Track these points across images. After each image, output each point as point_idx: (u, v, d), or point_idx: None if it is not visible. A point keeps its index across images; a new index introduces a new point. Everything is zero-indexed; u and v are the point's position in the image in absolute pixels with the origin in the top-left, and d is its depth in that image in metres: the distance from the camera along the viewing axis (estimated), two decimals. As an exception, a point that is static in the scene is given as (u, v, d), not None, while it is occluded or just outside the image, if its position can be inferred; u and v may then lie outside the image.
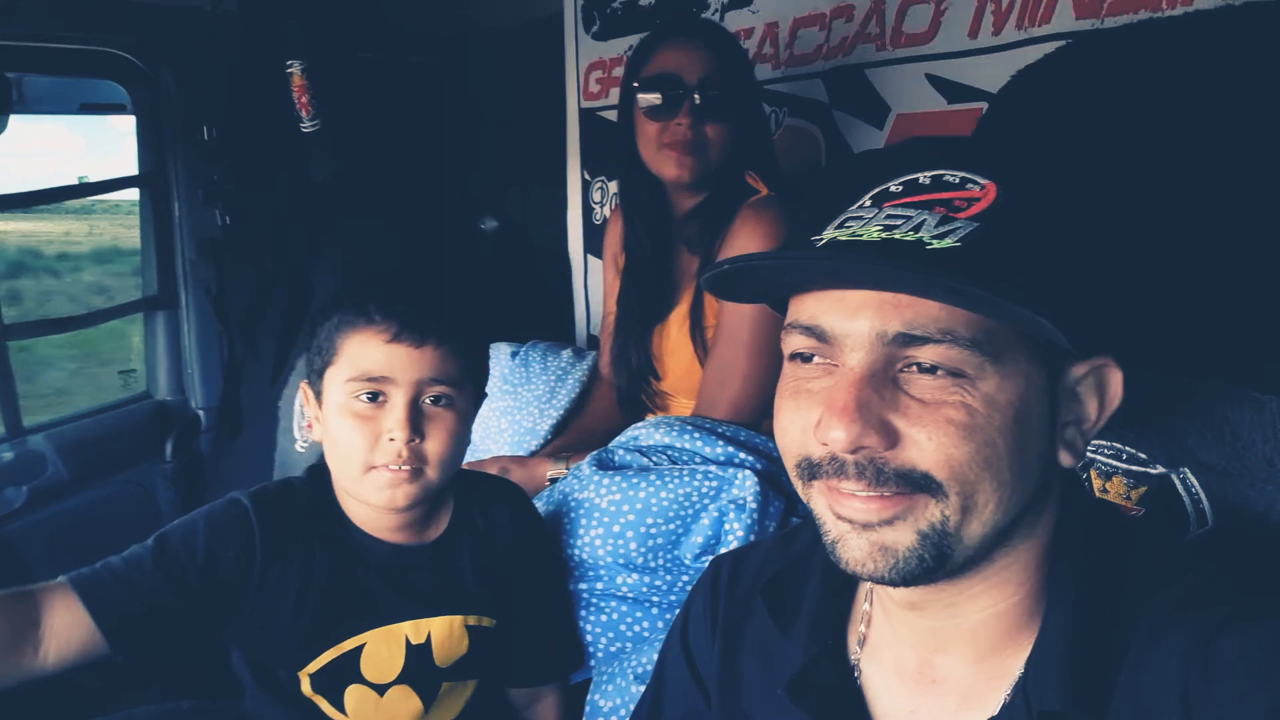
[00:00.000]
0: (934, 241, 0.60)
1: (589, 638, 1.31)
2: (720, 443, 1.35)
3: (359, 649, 1.14)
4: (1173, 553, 0.68)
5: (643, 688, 0.99)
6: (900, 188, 0.65)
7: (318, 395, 1.13)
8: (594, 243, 2.37)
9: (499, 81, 2.56)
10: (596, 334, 2.34)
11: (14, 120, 2.01)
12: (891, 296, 0.62)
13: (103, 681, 1.45)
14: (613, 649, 1.30)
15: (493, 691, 1.28)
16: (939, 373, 0.61)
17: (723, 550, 1.24)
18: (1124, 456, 0.89)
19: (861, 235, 0.62)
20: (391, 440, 1.07)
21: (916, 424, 0.61)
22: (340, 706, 1.15)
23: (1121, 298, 0.65)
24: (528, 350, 1.93)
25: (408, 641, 1.16)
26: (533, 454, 1.71)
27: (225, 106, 2.22)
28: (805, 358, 0.67)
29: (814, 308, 0.66)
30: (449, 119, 2.59)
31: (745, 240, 1.46)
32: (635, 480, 1.30)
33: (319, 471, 1.19)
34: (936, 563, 0.63)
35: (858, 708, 0.74)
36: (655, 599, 1.30)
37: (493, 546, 1.22)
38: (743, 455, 1.33)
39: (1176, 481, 0.86)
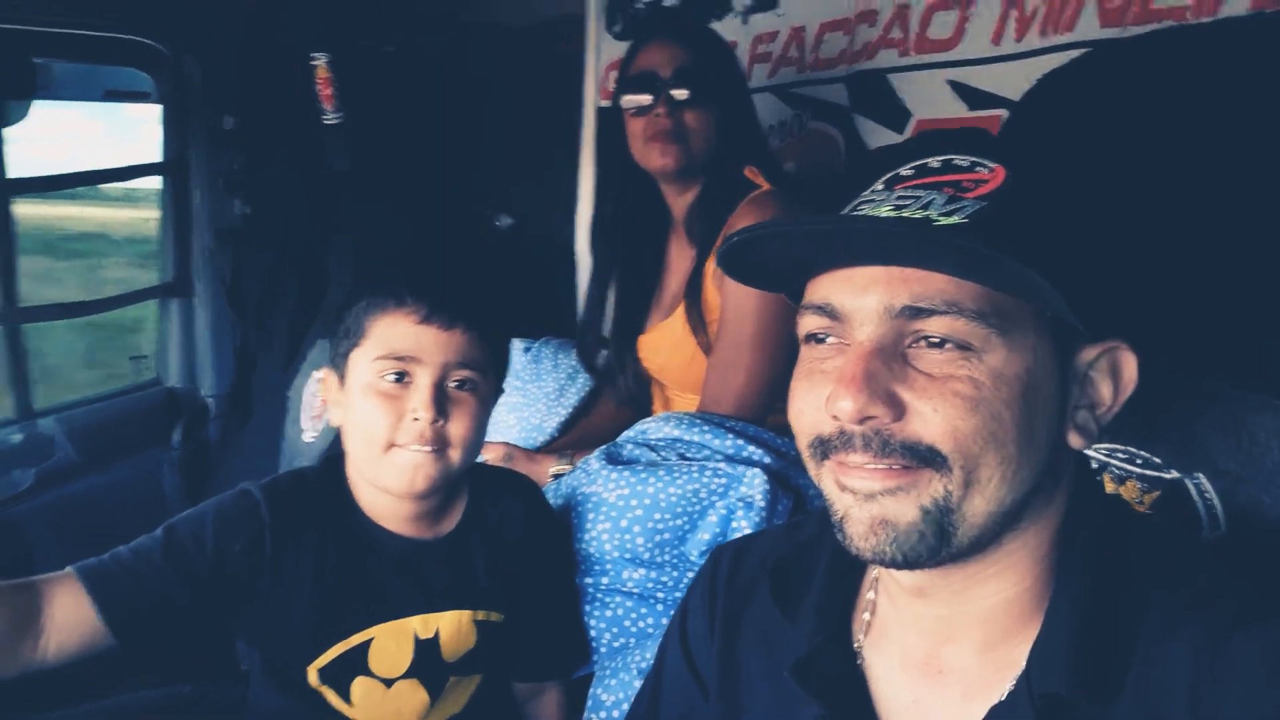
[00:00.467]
0: (941, 218, 0.61)
1: (593, 632, 1.30)
2: (729, 436, 1.34)
3: (367, 643, 1.14)
4: (1184, 551, 0.68)
5: (644, 682, 0.98)
6: (911, 171, 0.66)
7: (341, 378, 1.14)
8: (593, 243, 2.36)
9: (517, 78, 2.57)
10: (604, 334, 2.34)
11: (36, 107, 2.03)
12: (899, 272, 0.63)
13: (102, 665, 1.45)
14: (616, 644, 1.29)
15: (497, 685, 1.27)
16: (947, 346, 0.62)
17: (728, 546, 1.24)
18: (1138, 461, 0.88)
19: (872, 215, 0.64)
20: (416, 420, 1.08)
21: (923, 396, 0.62)
22: (347, 698, 1.15)
23: (1133, 285, 0.65)
24: (540, 347, 1.93)
25: (416, 636, 1.16)
26: (538, 451, 1.71)
27: (247, 97, 2.23)
28: (819, 339, 0.68)
29: (826, 287, 0.67)
30: (467, 115, 2.60)
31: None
32: (644, 475, 1.29)
33: (332, 463, 1.19)
34: (939, 540, 0.63)
35: (861, 696, 0.74)
36: (660, 595, 1.29)
37: (505, 541, 1.22)
38: (751, 449, 1.32)
39: (1190, 487, 0.85)
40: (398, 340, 1.09)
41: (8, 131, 1.96)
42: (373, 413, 1.08)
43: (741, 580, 0.86)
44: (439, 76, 2.57)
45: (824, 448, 0.67)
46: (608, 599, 1.30)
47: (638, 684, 1.18)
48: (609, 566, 1.30)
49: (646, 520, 1.27)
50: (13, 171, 1.98)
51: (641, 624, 1.29)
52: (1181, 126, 1.25)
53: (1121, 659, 0.62)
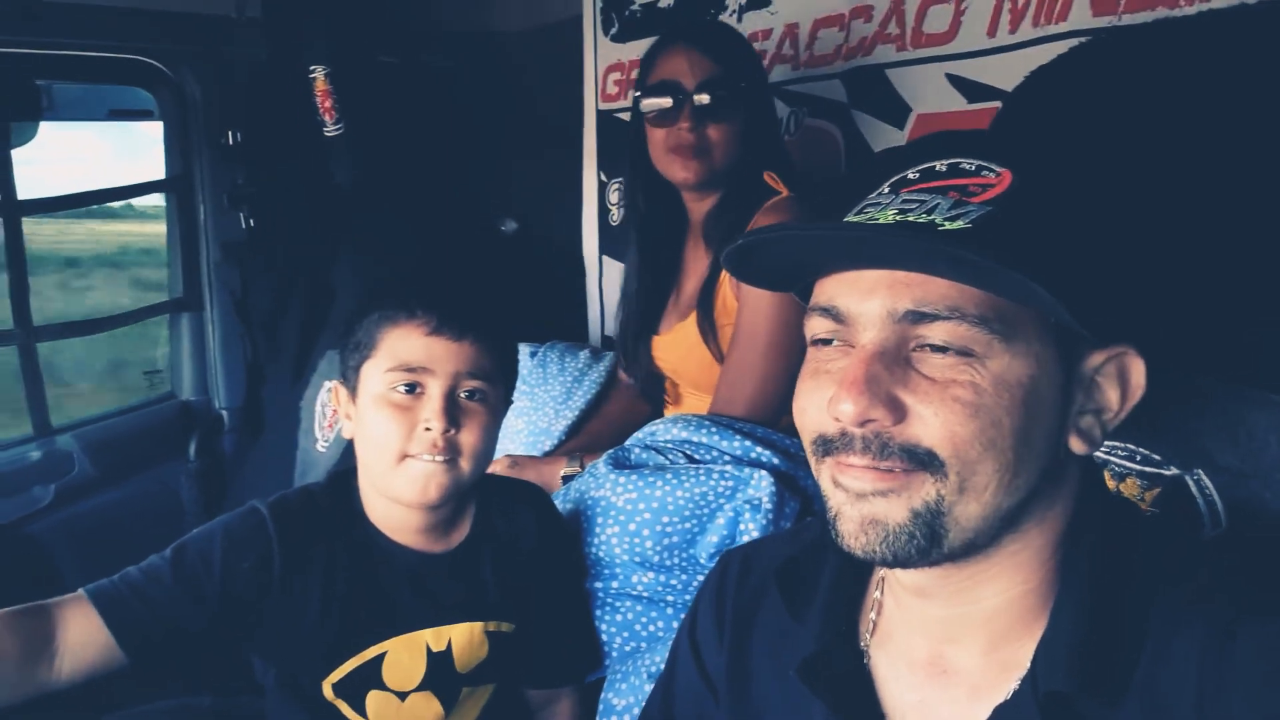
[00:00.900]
0: (946, 223, 0.61)
1: (604, 637, 1.31)
2: (738, 438, 1.35)
3: (380, 657, 1.15)
4: (1187, 549, 0.68)
5: (655, 686, 0.99)
6: (917, 175, 0.66)
7: (352, 391, 1.15)
8: (609, 244, 2.38)
9: (517, 84, 2.58)
10: (611, 335, 2.35)
11: (44, 127, 2.05)
12: (903, 276, 0.63)
13: (120, 677, 1.47)
14: (627, 648, 1.30)
15: (510, 694, 1.28)
16: (949, 352, 0.63)
17: (737, 549, 1.24)
18: (1138, 458, 0.88)
19: (877, 219, 0.64)
20: (428, 430, 1.09)
21: (924, 400, 0.63)
22: (362, 711, 1.16)
23: (1140, 288, 0.65)
24: (546, 351, 1.94)
25: (428, 649, 1.17)
26: (547, 454, 1.72)
27: (249, 112, 2.25)
28: (825, 341, 0.69)
29: (831, 290, 0.68)
30: (468, 122, 2.61)
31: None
32: (651, 479, 1.30)
33: (341, 477, 1.20)
34: (929, 542, 0.64)
35: (867, 696, 0.75)
36: (670, 598, 1.30)
37: (515, 551, 1.22)
38: (759, 450, 1.33)
39: (1190, 483, 0.85)
40: (408, 352, 1.10)
41: (17, 153, 1.99)
42: (385, 424, 1.09)
43: (750, 584, 0.87)
44: (440, 85, 2.57)
45: (826, 446, 0.67)
46: (618, 603, 1.31)
47: (648, 688, 1.19)
48: (618, 570, 1.31)
49: (655, 524, 1.28)
50: (23, 193, 2.01)
51: (652, 627, 1.30)
52: (1178, 120, 1.24)
53: (1127, 658, 0.62)
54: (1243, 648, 0.58)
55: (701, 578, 1.29)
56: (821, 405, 0.67)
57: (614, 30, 2.26)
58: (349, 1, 2.24)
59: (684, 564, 1.30)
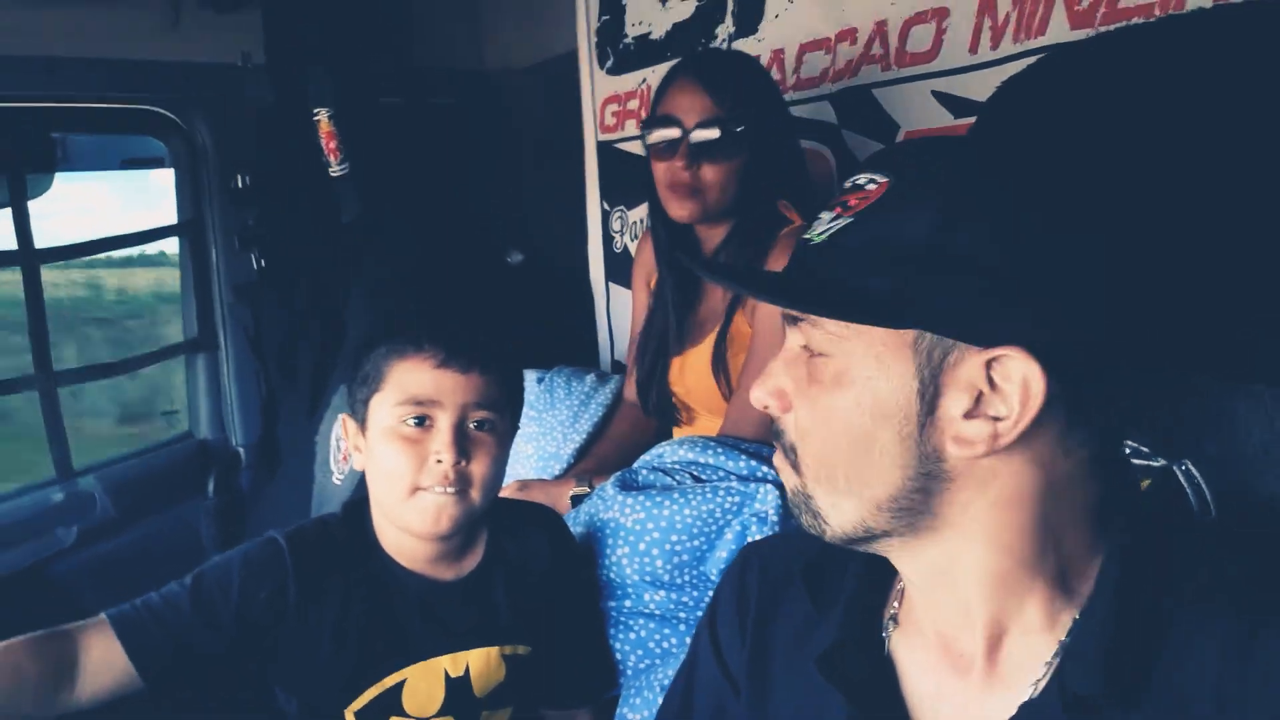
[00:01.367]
0: (816, 238, 0.68)
1: (618, 655, 1.33)
2: (743, 458, 1.37)
3: (399, 685, 1.16)
4: (1213, 544, 0.68)
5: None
6: (835, 198, 0.71)
7: (361, 424, 1.17)
8: (615, 270, 2.42)
9: (518, 118, 2.64)
10: (620, 359, 2.39)
11: (58, 180, 2.11)
12: None
13: (144, 704, 1.49)
14: (642, 665, 1.32)
15: (528, 714, 1.30)
16: (822, 359, 0.69)
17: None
18: (1126, 451, 0.91)
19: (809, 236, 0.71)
20: (439, 462, 1.10)
21: (796, 397, 0.71)
22: None
23: (1044, 289, 0.59)
24: (552, 376, 1.97)
25: (446, 675, 1.18)
26: (557, 478, 1.74)
27: (256, 155, 2.31)
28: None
29: None
30: (471, 157, 2.66)
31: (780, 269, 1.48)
32: (659, 499, 1.33)
33: (355, 508, 1.22)
34: (815, 520, 0.71)
35: (889, 685, 0.76)
36: (682, 615, 1.32)
37: (528, 574, 1.24)
38: (765, 469, 1.35)
39: (1179, 474, 0.88)
40: (417, 385, 1.11)
41: (33, 205, 2.05)
42: (395, 457, 1.11)
43: (773, 578, 0.88)
44: (442, 123, 2.63)
45: None
46: (631, 622, 1.34)
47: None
48: (630, 590, 1.34)
49: (664, 543, 1.30)
50: (40, 242, 2.07)
51: (665, 644, 1.32)
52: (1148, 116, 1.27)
53: (1149, 658, 0.62)
54: (1266, 647, 0.58)
55: (712, 593, 1.31)
56: None
57: (609, 63, 2.31)
58: (350, 45, 2.30)
59: (694, 581, 1.32)
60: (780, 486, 1.31)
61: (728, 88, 1.49)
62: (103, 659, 1.03)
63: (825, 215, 0.69)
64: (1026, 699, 0.67)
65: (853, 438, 0.67)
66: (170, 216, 2.36)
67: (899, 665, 0.76)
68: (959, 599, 0.70)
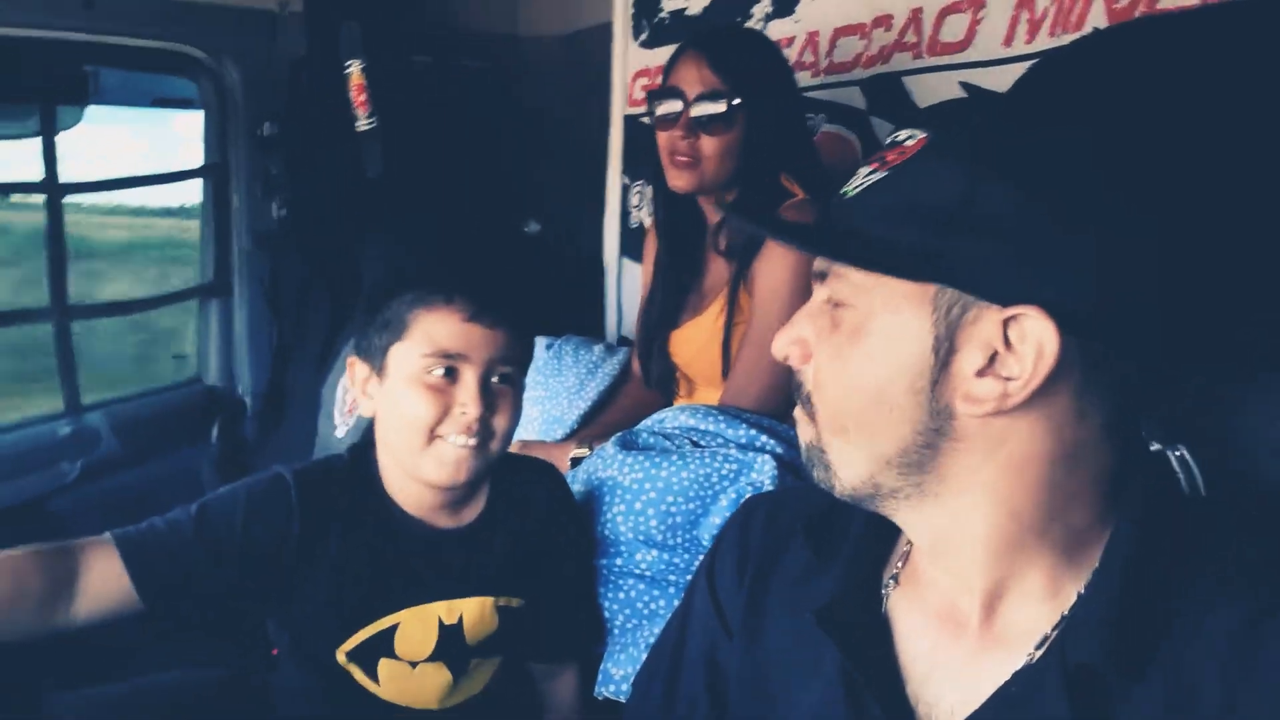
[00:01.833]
0: (850, 191, 0.69)
1: (606, 614, 1.34)
2: (743, 426, 1.38)
3: (393, 628, 1.17)
4: (1229, 526, 0.68)
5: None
6: (874, 153, 0.71)
7: (378, 370, 1.16)
8: (629, 246, 2.42)
9: (547, 87, 2.64)
10: (627, 334, 2.39)
11: (89, 115, 2.13)
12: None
13: (135, 645, 1.50)
14: (629, 625, 1.32)
15: (516, 664, 1.31)
16: (845, 309, 0.69)
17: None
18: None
19: (845, 190, 0.71)
20: (464, 413, 1.11)
21: (817, 346, 0.72)
22: (374, 676, 1.18)
23: (1061, 252, 0.60)
24: (561, 344, 1.98)
25: (441, 621, 1.19)
26: (559, 441, 1.75)
27: (286, 104, 2.32)
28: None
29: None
30: (496, 122, 2.67)
31: (778, 245, 1.49)
32: (657, 460, 1.33)
33: (360, 451, 1.22)
34: (827, 472, 0.72)
35: (883, 641, 0.76)
36: (673, 578, 1.33)
37: (526, 527, 1.25)
38: (764, 438, 1.35)
39: (1172, 459, 0.87)
40: (446, 338, 1.11)
41: (62, 137, 2.07)
42: (419, 405, 1.11)
43: (777, 530, 0.88)
44: (470, 86, 2.64)
45: None
46: (621, 581, 1.34)
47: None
48: (623, 548, 1.34)
49: (659, 503, 1.31)
50: (65, 176, 2.08)
51: (653, 605, 1.32)
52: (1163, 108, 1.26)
53: (1156, 634, 0.62)
54: (1274, 630, 0.58)
55: (713, 540, 1.32)
56: None
57: (644, 36, 2.31)
58: (386, 2, 2.31)
59: (687, 544, 1.32)
60: (779, 459, 1.31)
61: (730, 62, 1.52)
62: (104, 578, 1.03)
63: (863, 170, 0.69)
64: (1022, 665, 0.67)
65: (866, 389, 0.67)
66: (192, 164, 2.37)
67: (895, 623, 0.77)
68: (962, 562, 0.70)
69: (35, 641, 1.02)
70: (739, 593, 0.88)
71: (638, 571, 1.34)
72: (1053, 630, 0.67)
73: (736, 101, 1.50)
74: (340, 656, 1.16)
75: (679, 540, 1.31)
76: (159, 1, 2.08)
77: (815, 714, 0.76)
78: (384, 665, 1.18)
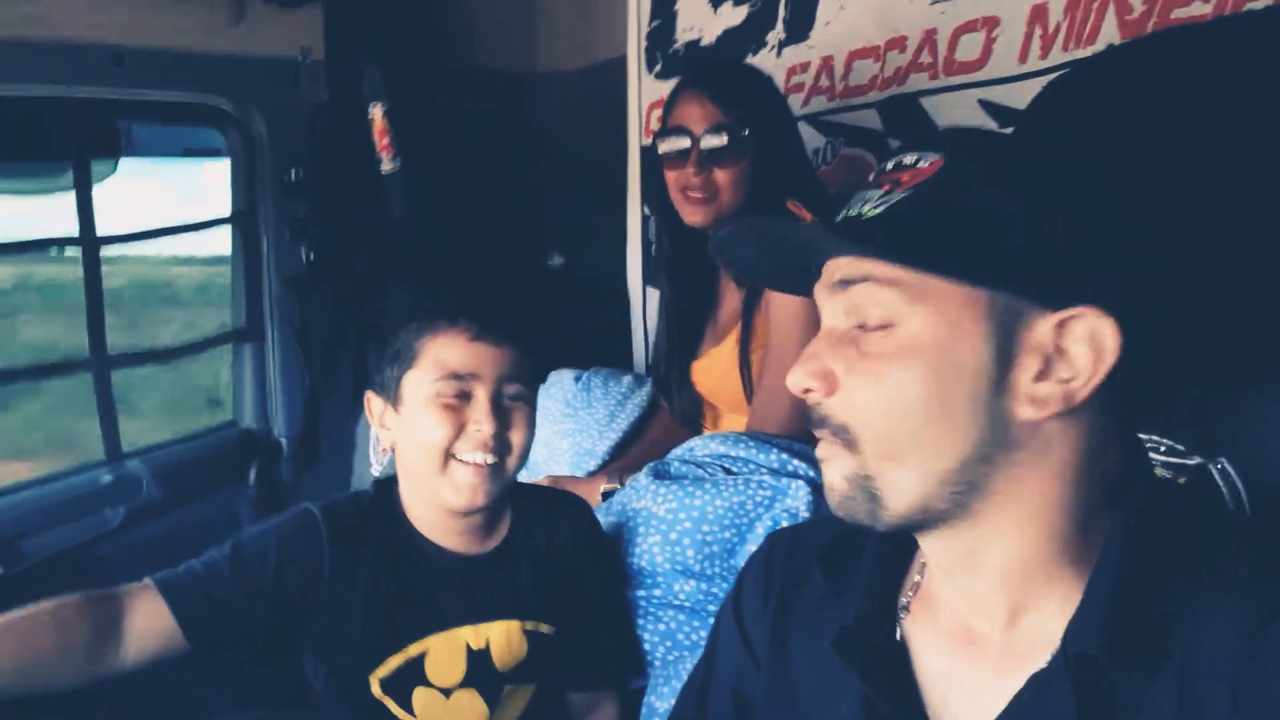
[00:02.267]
0: (869, 211, 0.68)
1: (647, 645, 1.34)
2: (774, 451, 1.38)
3: (423, 655, 1.19)
4: (1231, 532, 0.69)
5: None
6: (873, 174, 0.73)
7: (393, 402, 1.19)
8: (653, 275, 2.44)
9: (566, 121, 2.67)
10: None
11: (124, 165, 2.18)
12: (841, 262, 0.71)
13: (181, 689, 1.51)
14: (670, 657, 1.32)
15: (552, 696, 1.31)
16: (879, 329, 0.68)
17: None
18: (1162, 449, 0.90)
19: (849, 213, 0.71)
20: (479, 430, 1.14)
21: (849, 374, 0.69)
22: (409, 709, 1.20)
23: (1105, 252, 0.64)
24: (590, 376, 1.99)
25: (468, 646, 1.20)
26: (590, 475, 1.76)
27: (310, 150, 2.36)
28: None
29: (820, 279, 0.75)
30: (518, 159, 2.70)
31: None
32: (691, 489, 1.34)
33: (384, 485, 1.26)
34: (872, 503, 0.69)
35: (902, 666, 0.76)
36: (711, 608, 1.32)
37: (552, 555, 1.26)
38: (796, 463, 1.36)
39: (1214, 472, 0.87)
40: (455, 359, 1.15)
41: (97, 190, 2.12)
42: (434, 426, 1.14)
43: (798, 561, 0.89)
44: (491, 124, 2.68)
45: None
46: (660, 613, 1.34)
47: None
48: (660, 579, 1.34)
49: (695, 533, 1.31)
50: (102, 228, 2.13)
51: (694, 636, 1.32)
52: (1192, 119, 1.26)
53: (1162, 631, 0.63)
54: (1278, 637, 0.58)
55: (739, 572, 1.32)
56: None
57: (658, 68, 2.34)
58: (405, 45, 2.36)
59: (724, 573, 1.32)
60: (812, 484, 1.31)
61: (732, 95, 1.56)
62: (148, 622, 1.07)
63: (871, 194, 0.70)
64: (1026, 671, 0.68)
65: (922, 406, 0.66)
66: (221, 213, 2.42)
67: (912, 646, 0.77)
68: (987, 586, 0.71)
69: (84, 688, 1.04)
70: (764, 623, 0.89)
71: (676, 602, 1.34)
72: (1061, 635, 0.67)
73: (745, 133, 1.54)
74: (375, 688, 1.18)
75: (716, 570, 1.31)
76: (185, 55, 2.13)
77: None
78: (419, 695, 1.19)
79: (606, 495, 1.56)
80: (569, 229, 2.75)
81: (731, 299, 1.70)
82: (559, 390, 1.94)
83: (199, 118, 2.29)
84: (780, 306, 1.52)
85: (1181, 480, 0.88)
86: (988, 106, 1.62)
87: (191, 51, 2.12)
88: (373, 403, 1.23)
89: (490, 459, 1.15)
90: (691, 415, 1.79)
